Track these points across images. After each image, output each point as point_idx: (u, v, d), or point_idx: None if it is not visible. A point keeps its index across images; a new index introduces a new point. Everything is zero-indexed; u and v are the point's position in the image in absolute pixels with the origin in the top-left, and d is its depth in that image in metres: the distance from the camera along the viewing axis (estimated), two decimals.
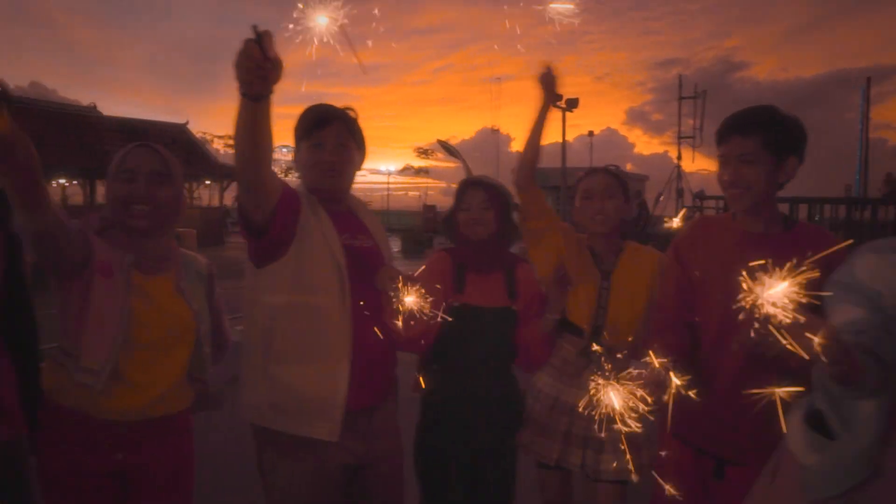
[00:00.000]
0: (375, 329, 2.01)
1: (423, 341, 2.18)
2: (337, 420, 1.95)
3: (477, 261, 2.38)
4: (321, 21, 1.40)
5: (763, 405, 1.39)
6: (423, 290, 1.90)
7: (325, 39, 1.43)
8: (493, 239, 2.39)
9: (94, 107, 26.15)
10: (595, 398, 1.75)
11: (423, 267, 2.36)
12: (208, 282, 2.13)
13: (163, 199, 1.93)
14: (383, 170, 48.24)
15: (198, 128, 29.72)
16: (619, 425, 1.71)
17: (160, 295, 1.94)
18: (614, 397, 1.71)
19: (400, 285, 1.91)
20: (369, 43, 1.43)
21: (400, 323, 1.91)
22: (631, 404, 1.70)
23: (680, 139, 25.37)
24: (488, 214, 2.37)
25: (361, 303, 2.02)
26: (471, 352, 2.31)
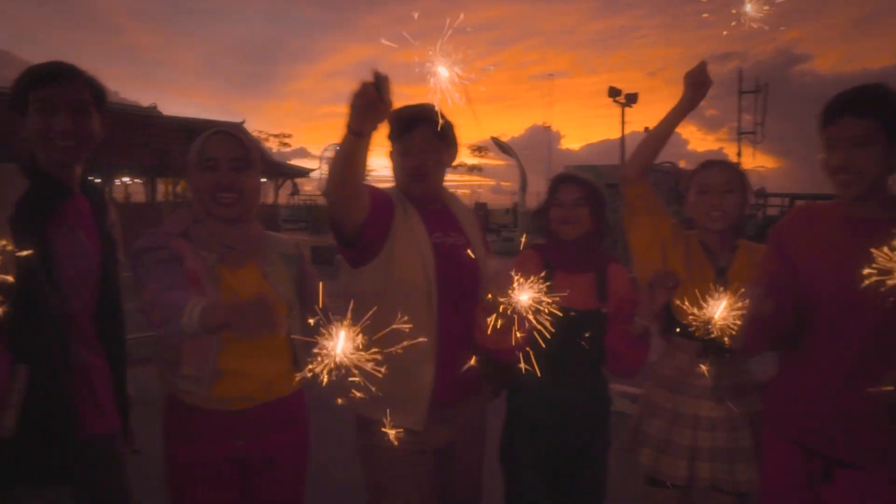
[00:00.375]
0: (463, 326, 2.02)
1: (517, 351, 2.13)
2: (423, 412, 2.03)
3: (567, 260, 2.29)
4: (442, 72, 1.43)
5: (884, 400, 1.32)
6: (536, 297, 1.80)
7: (444, 87, 1.45)
8: (584, 238, 2.29)
9: (155, 107, 27.06)
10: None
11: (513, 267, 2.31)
12: (297, 263, 2.10)
13: (247, 186, 1.93)
14: None
15: (252, 127, 30.35)
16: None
17: (246, 286, 1.93)
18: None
19: (511, 292, 1.82)
20: (482, 89, 1.41)
21: (501, 329, 1.85)
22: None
23: (740, 135, 24.68)
24: (581, 212, 2.27)
25: (450, 301, 2.04)
26: (557, 354, 2.21)
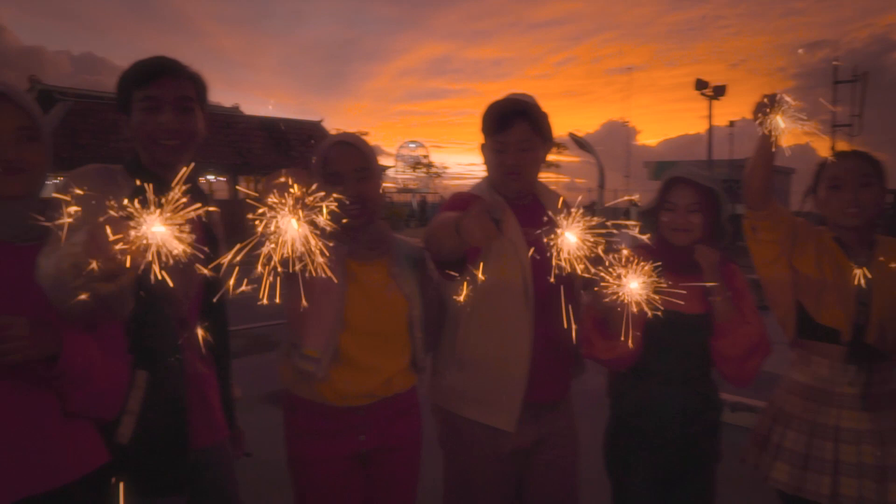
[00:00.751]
0: (558, 325, 1.91)
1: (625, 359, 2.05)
2: (514, 412, 2.02)
3: (676, 264, 2.08)
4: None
5: None
6: (646, 285, 1.65)
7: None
8: (697, 244, 2.11)
9: (238, 107, 27.83)
10: None
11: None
12: (421, 265, 2.12)
13: (369, 194, 1.96)
14: None
15: (330, 125, 31.05)
16: None
17: (374, 282, 1.98)
18: None
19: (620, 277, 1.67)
20: None
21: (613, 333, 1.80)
22: None
23: (834, 128, 23.35)
24: (695, 219, 2.09)
25: (545, 297, 1.99)
26: (665, 359, 2.11)
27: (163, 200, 1.13)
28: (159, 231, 1.10)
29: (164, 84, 1.71)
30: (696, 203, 2.08)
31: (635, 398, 2.16)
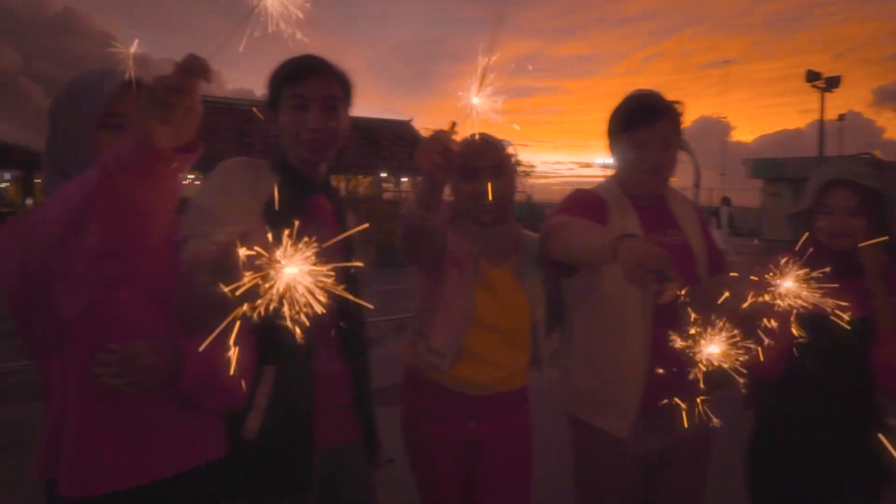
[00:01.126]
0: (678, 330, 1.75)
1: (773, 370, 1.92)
2: (629, 418, 1.96)
3: (835, 270, 1.83)
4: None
5: None
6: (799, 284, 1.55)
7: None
8: (861, 245, 1.94)
9: None
10: None
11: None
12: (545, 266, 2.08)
13: (504, 192, 1.99)
14: (599, 163, 38.61)
15: (420, 124, 30.89)
16: None
17: (502, 282, 2.01)
18: None
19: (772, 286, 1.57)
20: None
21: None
22: None
23: None
24: (856, 223, 1.95)
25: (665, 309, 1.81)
26: (820, 368, 1.95)
27: (301, 244, 1.09)
28: (291, 273, 1.05)
29: (312, 83, 1.72)
30: (859, 207, 1.94)
31: (784, 408, 2.04)
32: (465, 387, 1.99)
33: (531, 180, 37.62)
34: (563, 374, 2.15)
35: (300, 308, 1.05)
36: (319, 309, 1.07)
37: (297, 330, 1.05)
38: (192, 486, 1.46)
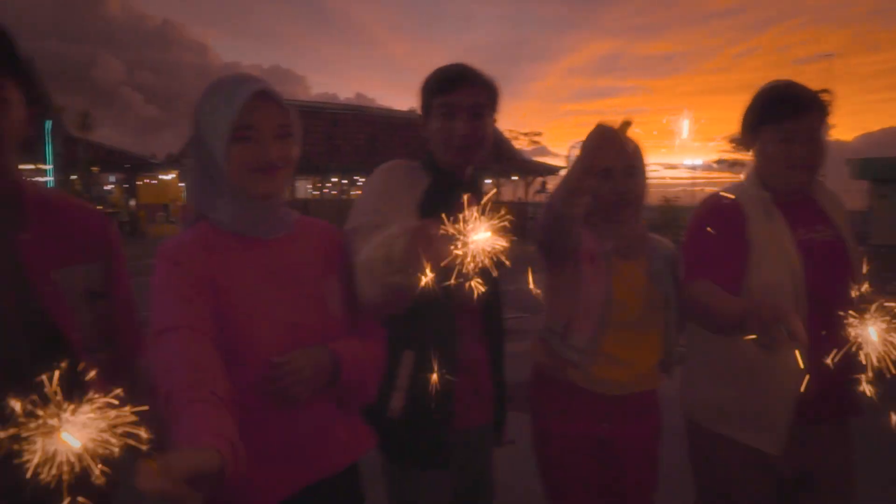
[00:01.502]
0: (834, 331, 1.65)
1: None
2: (782, 433, 1.86)
3: None
4: None
5: None
6: None
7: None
8: None
9: (415, 110, 31.40)
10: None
11: None
12: (675, 264, 2.08)
13: (636, 192, 1.98)
14: (688, 164, 39.72)
15: (503, 126, 30.75)
16: None
17: (635, 279, 2.01)
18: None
19: None
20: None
21: None
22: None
23: None
24: None
25: (819, 304, 1.81)
26: None
27: (479, 210, 1.15)
28: (482, 238, 1.13)
29: (461, 92, 1.81)
30: None
31: None
32: (600, 385, 1.98)
33: None
34: (687, 380, 2.10)
35: (477, 271, 1.12)
36: (495, 273, 1.17)
37: (475, 293, 1.12)
38: (350, 482, 1.53)
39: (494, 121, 1.91)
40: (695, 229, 1.97)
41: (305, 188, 30.06)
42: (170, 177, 29.91)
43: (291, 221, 1.52)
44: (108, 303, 1.50)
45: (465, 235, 1.13)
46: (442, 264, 1.11)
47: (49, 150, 17.88)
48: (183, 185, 31.33)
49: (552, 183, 32.40)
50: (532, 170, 30.29)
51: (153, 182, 28.60)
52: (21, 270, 1.36)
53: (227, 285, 1.35)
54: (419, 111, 1.93)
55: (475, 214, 1.14)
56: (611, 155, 1.79)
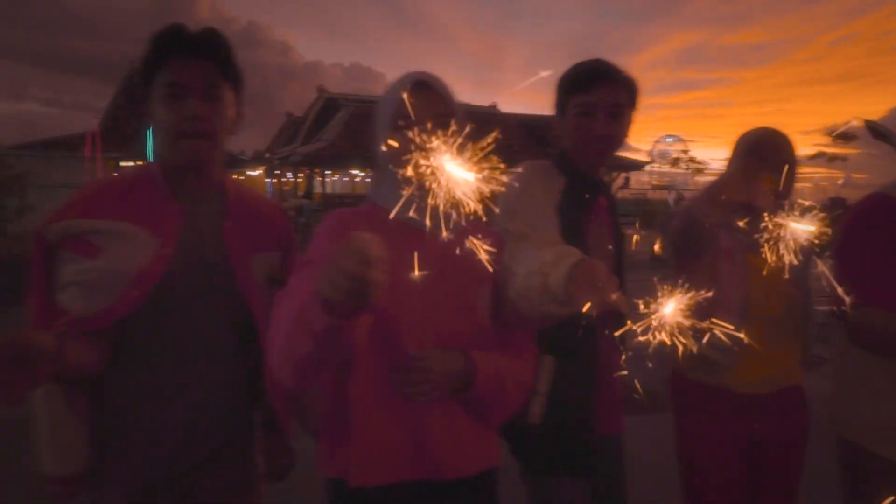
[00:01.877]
0: None
1: None
2: None
3: None
4: None
5: None
6: None
7: None
8: None
9: (496, 106, 29.95)
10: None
11: None
12: (811, 260, 2.04)
13: (788, 191, 1.96)
14: None
15: None
16: None
17: (773, 274, 1.94)
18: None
19: None
20: None
21: None
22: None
23: None
24: None
25: None
26: None
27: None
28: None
29: (599, 91, 1.75)
30: None
31: None
32: (745, 384, 1.96)
33: (704, 178, 35.61)
34: (842, 397, 1.99)
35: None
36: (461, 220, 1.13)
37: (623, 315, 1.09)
38: (472, 490, 1.47)
39: (631, 120, 1.84)
40: (855, 236, 1.84)
41: None
42: (257, 172, 30.87)
43: (457, 222, 1.40)
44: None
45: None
46: (604, 306, 1.05)
47: (150, 146, 18.67)
48: (269, 181, 32.45)
49: (634, 178, 31.82)
50: (615, 165, 29.39)
51: (241, 178, 29.70)
52: (227, 255, 1.51)
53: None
54: (554, 109, 1.88)
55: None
56: (778, 153, 1.87)
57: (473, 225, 1.52)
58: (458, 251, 1.38)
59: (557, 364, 1.70)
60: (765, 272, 1.87)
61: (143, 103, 1.50)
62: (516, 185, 1.75)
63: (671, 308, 1.11)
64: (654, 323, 1.11)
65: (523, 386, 1.52)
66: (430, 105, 1.40)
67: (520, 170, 1.81)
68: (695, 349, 1.14)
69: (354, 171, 29.86)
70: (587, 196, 1.81)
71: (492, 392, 1.41)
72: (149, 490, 1.48)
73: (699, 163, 34.41)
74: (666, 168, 33.70)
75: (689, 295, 1.12)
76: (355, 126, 23.86)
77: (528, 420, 1.69)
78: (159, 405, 1.47)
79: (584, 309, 1.06)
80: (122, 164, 21.99)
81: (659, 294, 1.13)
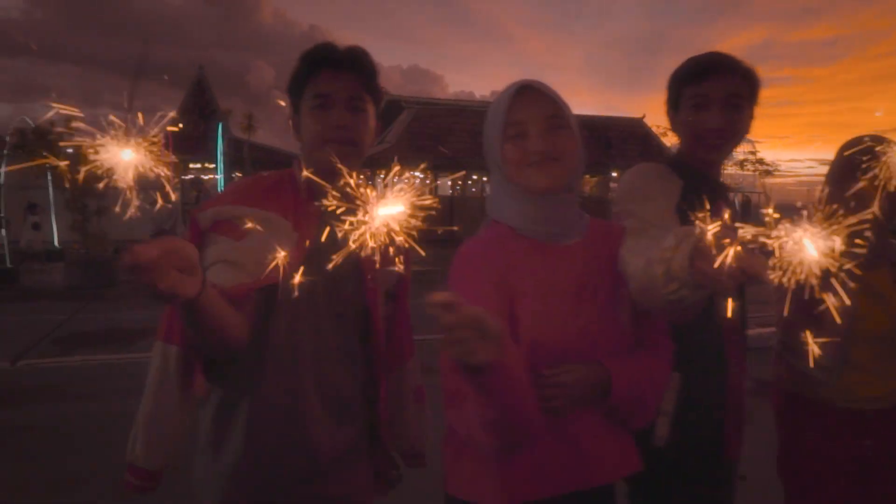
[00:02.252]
0: None
1: None
2: None
3: None
4: None
5: None
6: None
7: None
8: None
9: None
10: None
11: None
12: None
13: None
14: None
15: (651, 121, 29.67)
16: None
17: (882, 288, 1.93)
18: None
19: None
20: None
21: None
22: None
23: None
24: None
25: None
26: None
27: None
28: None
29: (714, 82, 1.67)
30: None
31: None
32: (854, 401, 1.90)
33: (773, 180, 34.17)
34: None
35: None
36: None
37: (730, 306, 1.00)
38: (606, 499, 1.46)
39: (753, 115, 1.73)
40: None
41: (446, 185, 30.68)
42: None
43: (585, 225, 1.49)
44: (394, 305, 1.69)
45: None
46: (737, 274, 0.98)
47: (219, 149, 19.31)
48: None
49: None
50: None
51: None
52: (359, 266, 1.55)
53: (519, 288, 1.37)
54: (665, 105, 1.81)
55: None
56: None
57: (606, 225, 1.54)
58: (592, 257, 1.42)
59: (684, 380, 1.59)
60: (875, 286, 1.88)
61: (294, 117, 1.60)
62: (636, 191, 1.66)
63: (813, 247, 0.95)
64: (793, 259, 0.94)
65: (660, 386, 1.49)
66: (540, 107, 1.39)
67: (633, 171, 1.74)
68: (812, 356, 1.06)
69: (417, 174, 30.05)
70: (706, 197, 1.62)
71: (627, 399, 1.39)
72: (283, 489, 1.54)
73: (767, 164, 33.29)
74: (733, 170, 32.63)
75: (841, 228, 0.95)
76: (415, 128, 24.11)
77: (653, 443, 1.58)
78: (299, 400, 1.53)
79: (720, 284, 1.00)
80: (191, 165, 22.79)
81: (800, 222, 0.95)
